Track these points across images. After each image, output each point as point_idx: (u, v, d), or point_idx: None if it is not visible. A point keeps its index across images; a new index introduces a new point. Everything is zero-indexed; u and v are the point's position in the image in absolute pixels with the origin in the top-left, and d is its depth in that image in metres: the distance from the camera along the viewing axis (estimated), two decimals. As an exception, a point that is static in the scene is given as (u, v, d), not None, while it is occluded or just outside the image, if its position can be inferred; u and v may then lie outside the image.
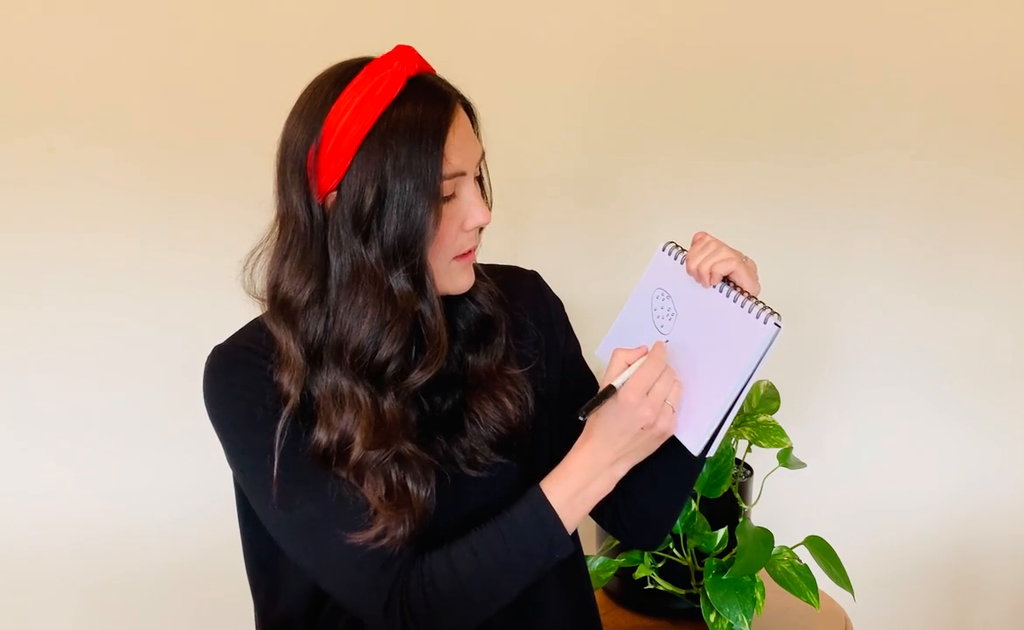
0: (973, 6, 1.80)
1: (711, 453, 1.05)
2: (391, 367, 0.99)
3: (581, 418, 1.00)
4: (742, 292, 1.01)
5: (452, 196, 0.99)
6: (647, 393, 0.99)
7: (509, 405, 1.08)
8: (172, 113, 1.76)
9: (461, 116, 0.99)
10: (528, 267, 1.23)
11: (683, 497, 1.14)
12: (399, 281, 0.97)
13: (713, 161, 1.86)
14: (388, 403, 1.00)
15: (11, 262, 1.77)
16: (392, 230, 0.95)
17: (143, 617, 1.90)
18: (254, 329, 1.06)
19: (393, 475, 0.99)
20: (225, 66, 1.76)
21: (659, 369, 1.00)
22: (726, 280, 1.02)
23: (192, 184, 1.78)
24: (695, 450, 1.02)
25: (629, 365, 1.01)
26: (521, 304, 1.16)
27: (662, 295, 1.08)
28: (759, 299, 1.01)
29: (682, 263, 1.06)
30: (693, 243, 1.05)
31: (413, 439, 1.02)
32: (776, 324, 0.98)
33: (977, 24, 1.81)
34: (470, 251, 1.04)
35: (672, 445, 1.05)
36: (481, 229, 1.04)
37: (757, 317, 0.99)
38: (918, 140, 1.85)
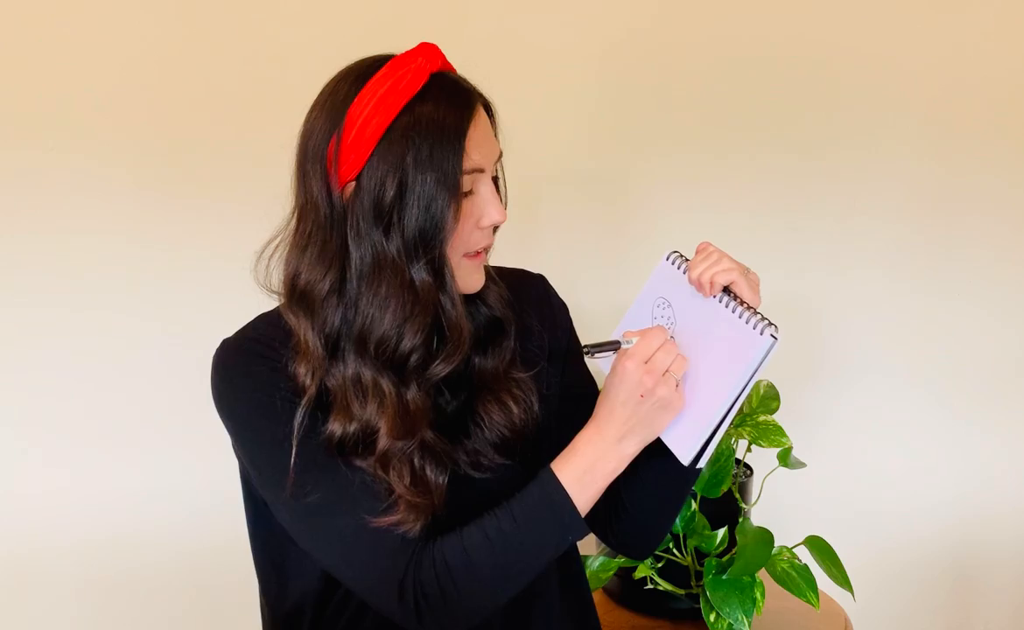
0: (973, 5, 1.80)
1: (701, 464, 1.04)
2: (414, 358, 1.00)
3: (587, 353, 1.02)
4: (741, 303, 1.01)
5: (470, 192, 1.00)
6: (646, 361, 1.00)
7: (514, 408, 1.08)
8: (174, 112, 1.76)
9: (481, 114, 1.01)
10: (536, 266, 1.24)
11: (675, 508, 1.14)
12: (420, 273, 0.98)
13: (719, 161, 1.86)
14: (412, 393, 1.01)
15: (11, 262, 1.77)
16: (413, 222, 0.97)
17: (143, 617, 1.90)
18: (262, 323, 1.07)
19: (416, 463, 1.00)
20: (230, 66, 1.76)
21: (660, 340, 1.01)
22: (727, 291, 1.02)
23: (194, 183, 1.78)
24: (685, 460, 1.01)
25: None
26: (528, 306, 1.16)
27: (663, 304, 1.08)
28: (757, 311, 1.00)
29: (684, 272, 1.06)
30: (696, 253, 1.06)
31: (433, 428, 1.03)
32: (772, 336, 0.97)
33: (977, 23, 1.81)
34: (482, 251, 1.05)
35: (666, 454, 1.05)
36: (495, 229, 1.05)
37: (754, 328, 0.98)
38: (918, 140, 1.85)
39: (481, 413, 1.08)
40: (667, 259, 1.09)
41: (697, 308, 1.04)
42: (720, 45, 1.82)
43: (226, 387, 1.04)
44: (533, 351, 1.14)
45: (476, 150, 0.99)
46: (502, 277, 1.14)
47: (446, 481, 1.02)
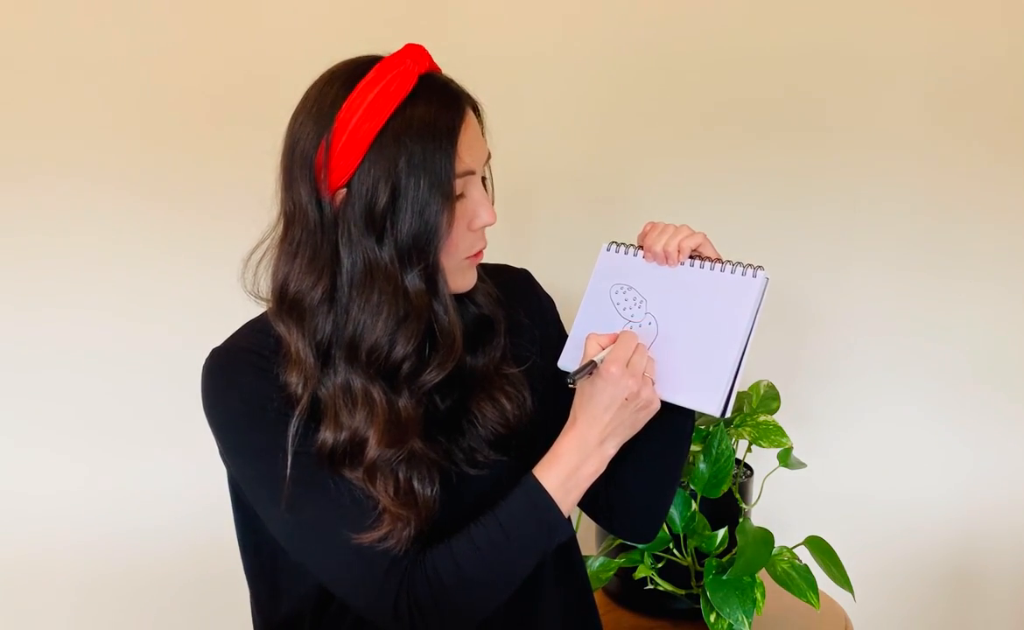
0: (976, 6, 1.80)
1: (728, 413, 1.06)
2: (406, 366, 1.00)
3: (570, 384, 1.02)
4: (714, 259, 1.07)
5: (461, 196, 1.00)
6: (627, 364, 1.01)
7: (507, 404, 1.09)
8: (173, 112, 1.76)
9: (471, 116, 1.01)
10: (530, 265, 1.24)
11: (673, 483, 1.16)
12: (413, 280, 0.97)
13: (715, 160, 1.86)
14: (403, 402, 1.00)
15: (15, 262, 1.77)
16: (407, 228, 0.96)
17: (143, 616, 1.90)
18: (252, 331, 1.06)
19: (401, 475, 1.00)
20: (218, 70, 1.76)
21: (634, 343, 1.03)
22: (692, 255, 1.07)
23: (197, 184, 1.78)
24: (716, 412, 1.04)
25: (603, 348, 1.04)
26: (516, 302, 1.17)
27: (622, 288, 1.11)
28: (733, 261, 1.06)
29: (635, 255, 1.11)
30: (646, 232, 1.10)
31: (422, 438, 1.02)
32: (765, 276, 1.04)
33: (980, 24, 1.80)
34: (479, 251, 1.05)
35: (658, 433, 1.07)
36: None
37: (743, 275, 1.04)
38: (919, 140, 1.84)
39: (474, 411, 1.08)
40: (607, 249, 1.14)
41: (666, 279, 1.08)
42: (716, 42, 1.81)
43: (216, 397, 1.03)
44: (524, 346, 1.14)
45: (467, 153, 0.98)
46: (487, 274, 1.14)
47: (434, 493, 1.01)
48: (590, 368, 1.02)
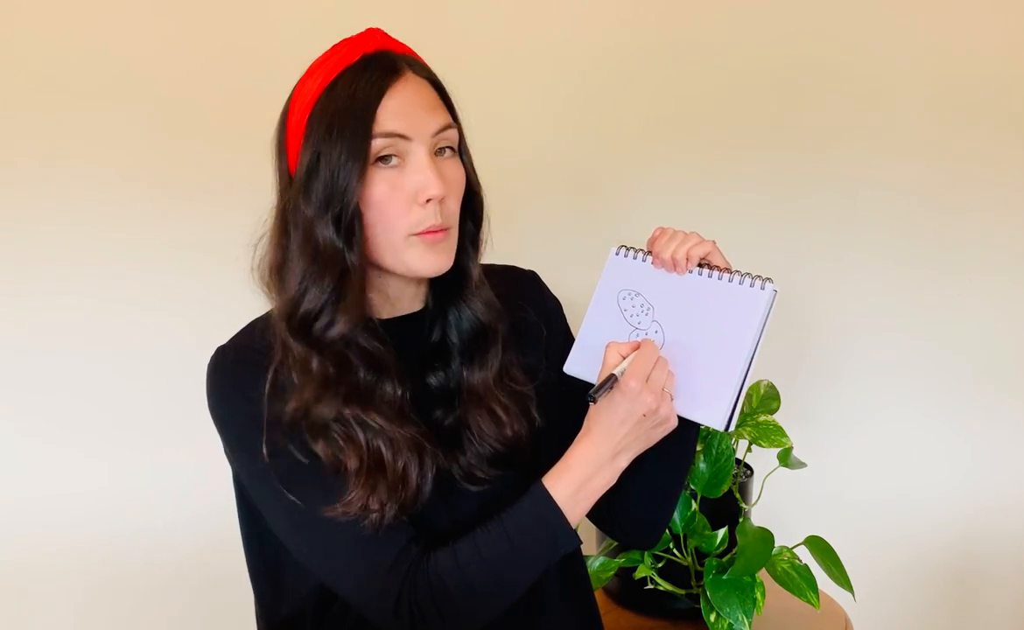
0: (974, 5, 1.80)
1: (732, 427, 1.05)
2: (320, 322, 0.99)
3: (590, 401, 1.00)
4: (722, 269, 1.05)
5: (392, 160, 0.98)
6: (647, 380, 1.00)
7: (505, 419, 1.07)
8: (179, 107, 1.76)
9: (411, 84, 1.00)
10: (523, 263, 1.24)
11: (676, 492, 1.15)
12: (325, 230, 0.97)
13: (710, 156, 1.86)
14: (320, 359, 0.99)
15: (15, 256, 1.77)
16: (322, 188, 0.97)
17: (146, 615, 1.90)
18: (255, 328, 1.07)
19: (363, 439, 0.99)
20: (227, 62, 1.76)
21: (655, 357, 1.01)
22: (700, 263, 1.06)
23: (217, 183, 1.78)
24: (720, 425, 1.02)
25: (624, 357, 1.03)
26: (523, 302, 1.16)
27: (629, 294, 1.09)
28: (741, 271, 1.04)
29: (643, 260, 1.09)
30: (656, 238, 1.08)
31: (380, 412, 1.00)
32: (774, 289, 1.02)
33: (979, 23, 1.81)
34: (440, 230, 1.00)
35: (663, 442, 1.06)
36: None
37: (751, 286, 1.02)
38: (918, 137, 1.85)
39: (472, 427, 1.07)
40: (616, 253, 1.12)
41: (674, 286, 1.07)
42: (709, 36, 1.81)
43: (219, 395, 1.03)
44: (531, 346, 1.14)
45: (394, 119, 0.97)
46: (492, 274, 1.13)
47: (409, 465, 1.00)
48: (611, 383, 1.00)
